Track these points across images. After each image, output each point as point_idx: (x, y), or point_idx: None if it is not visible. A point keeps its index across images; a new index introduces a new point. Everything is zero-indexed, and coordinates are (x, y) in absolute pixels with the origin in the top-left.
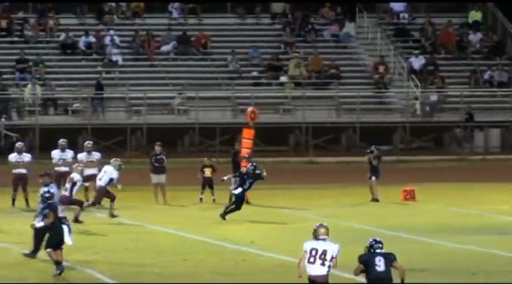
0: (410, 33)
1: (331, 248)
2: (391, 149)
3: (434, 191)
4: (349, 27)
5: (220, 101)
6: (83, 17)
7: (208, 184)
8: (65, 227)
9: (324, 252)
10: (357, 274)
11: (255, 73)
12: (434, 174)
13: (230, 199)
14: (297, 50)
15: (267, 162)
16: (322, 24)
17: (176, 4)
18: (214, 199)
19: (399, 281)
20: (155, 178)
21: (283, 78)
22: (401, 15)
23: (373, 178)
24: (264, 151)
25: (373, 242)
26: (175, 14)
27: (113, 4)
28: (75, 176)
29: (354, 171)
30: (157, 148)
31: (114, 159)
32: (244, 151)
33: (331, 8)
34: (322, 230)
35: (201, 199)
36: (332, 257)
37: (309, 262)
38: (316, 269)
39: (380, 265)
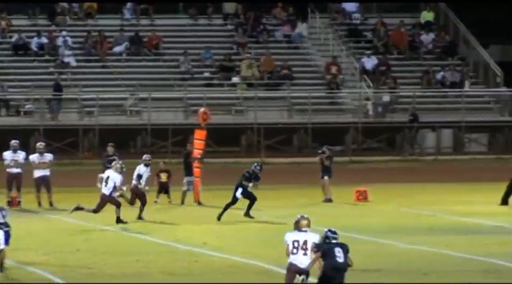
0: (362, 33)
1: (312, 238)
2: (343, 150)
3: (387, 191)
4: (301, 28)
5: (173, 102)
6: (35, 18)
7: (164, 189)
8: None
9: (305, 242)
10: (313, 263)
11: (207, 74)
12: (386, 175)
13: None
14: (249, 51)
15: (219, 163)
16: (274, 25)
17: (128, 5)
18: (170, 201)
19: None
20: None
21: (235, 79)
22: (353, 15)
23: (326, 178)
24: (216, 152)
25: (329, 233)
26: (127, 15)
27: (65, 5)
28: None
29: (306, 171)
30: (110, 149)
31: (115, 162)
32: (196, 152)
33: (283, 8)
34: (304, 222)
35: (155, 201)
36: (312, 246)
37: (292, 253)
38: (300, 259)
39: (340, 256)
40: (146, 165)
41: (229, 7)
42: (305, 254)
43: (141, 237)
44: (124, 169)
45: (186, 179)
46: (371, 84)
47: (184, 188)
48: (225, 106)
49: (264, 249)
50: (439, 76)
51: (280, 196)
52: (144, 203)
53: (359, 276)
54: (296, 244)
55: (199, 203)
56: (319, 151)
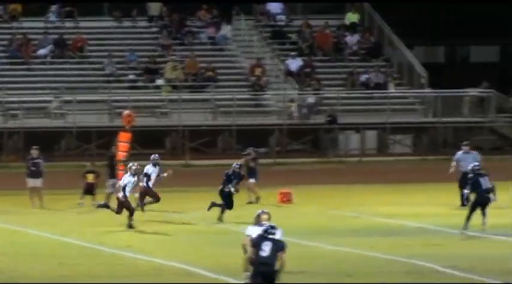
0: (287, 35)
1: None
2: (267, 151)
3: (311, 193)
4: (226, 30)
5: (97, 104)
6: None
7: (89, 190)
8: None
9: None
10: (249, 258)
11: (131, 77)
12: (311, 176)
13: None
14: (173, 53)
15: (144, 165)
16: (199, 27)
17: (53, 7)
18: (94, 204)
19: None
20: (31, 182)
21: (159, 81)
22: (278, 17)
23: (252, 180)
24: (141, 154)
25: (269, 228)
26: (52, 18)
27: None
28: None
29: None
30: (34, 152)
31: (130, 164)
32: (121, 155)
33: (208, 10)
34: (265, 216)
35: (79, 203)
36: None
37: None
38: (264, 252)
39: (265, 250)
40: (154, 165)
41: (153, 9)
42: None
43: (65, 240)
44: (138, 171)
45: (110, 181)
46: (295, 86)
47: (108, 190)
48: (150, 108)
49: (187, 251)
50: (363, 77)
51: (204, 198)
52: (157, 200)
53: (284, 278)
54: None
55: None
56: (244, 153)
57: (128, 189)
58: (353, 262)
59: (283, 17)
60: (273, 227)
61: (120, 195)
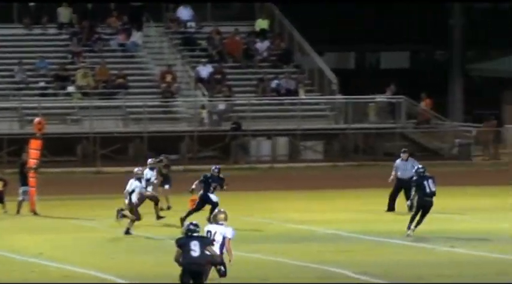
0: (197, 42)
1: (224, 231)
2: (179, 158)
3: (223, 200)
4: (136, 37)
5: (7, 112)
6: None
7: None
8: None
9: (215, 233)
10: (177, 259)
11: (42, 84)
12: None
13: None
14: (84, 60)
15: (55, 172)
16: (109, 34)
17: None
18: (5, 211)
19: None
20: None
21: (70, 88)
22: (188, 24)
23: (166, 186)
24: (52, 161)
25: (190, 226)
26: None
27: None
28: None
29: None
30: None
31: (136, 169)
32: (32, 162)
33: (118, 17)
34: (221, 215)
35: None
36: (224, 238)
37: None
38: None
39: (195, 249)
40: (151, 169)
41: (63, 16)
42: (213, 244)
43: None
44: (141, 175)
45: (21, 189)
46: (206, 93)
47: (20, 198)
48: (61, 115)
49: (99, 258)
50: (274, 84)
51: (115, 205)
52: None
53: None
54: (209, 235)
55: (35, 213)
56: (157, 160)
57: (134, 195)
58: (266, 268)
59: (193, 24)
60: (195, 225)
61: (126, 200)
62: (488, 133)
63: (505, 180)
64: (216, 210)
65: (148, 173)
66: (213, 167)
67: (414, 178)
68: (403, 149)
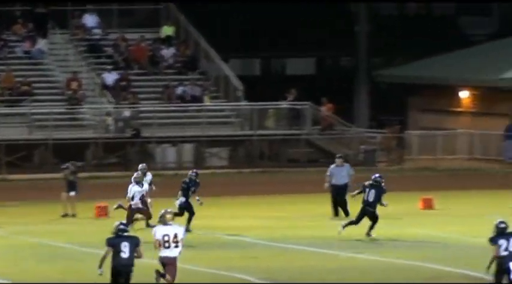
0: (103, 48)
1: (179, 231)
2: (84, 165)
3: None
4: (42, 44)
5: None
6: None
7: None
8: None
9: (175, 235)
10: (103, 258)
11: None
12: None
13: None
14: None
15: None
16: (14, 41)
17: None
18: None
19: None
20: None
21: None
22: (93, 31)
23: (72, 193)
24: None
25: (121, 226)
26: None
27: None
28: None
29: (47, 187)
30: None
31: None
32: None
33: (23, 25)
34: (169, 216)
35: None
36: (181, 239)
37: (164, 247)
38: (171, 252)
39: (125, 251)
40: (144, 174)
41: None
42: (176, 246)
43: None
44: (144, 180)
45: None
46: (112, 99)
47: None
48: None
49: (3, 265)
50: (179, 90)
51: (21, 213)
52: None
53: None
54: (167, 238)
55: None
56: (63, 167)
57: (136, 199)
58: (180, 276)
59: (98, 31)
60: (125, 225)
61: (133, 204)
62: (391, 139)
63: (410, 185)
64: (163, 211)
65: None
66: (191, 171)
67: (366, 183)
68: (338, 155)
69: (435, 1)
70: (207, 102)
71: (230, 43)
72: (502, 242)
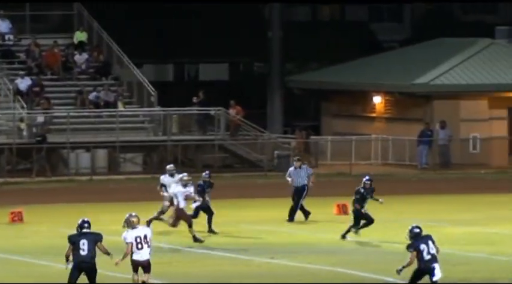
0: (15, 54)
1: (148, 232)
2: None
3: (43, 212)
4: None
5: None
6: None
7: None
8: None
9: (145, 236)
10: (67, 255)
11: None
12: (43, 196)
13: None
14: None
15: None
16: None
17: None
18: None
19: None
20: None
21: None
22: (6, 36)
23: None
24: None
25: (82, 223)
26: None
27: None
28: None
29: None
30: None
31: (181, 175)
32: None
33: None
34: (135, 219)
35: None
36: (150, 239)
37: (138, 248)
38: (144, 253)
39: (84, 248)
40: (171, 175)
41: None
42: (148, 246)
43: None
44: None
45: None
46: (25, 105)
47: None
48: None
49: None
50: (93, 96)
51: None
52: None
53: None
54: (139, 240)
55: None
56: None
57: (181, 200)
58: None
59: (11, 37)
60: (87, 222)
61: (180, 205)
62: (300, 145)
63: (324, 190)
64: (127, 215)
65: (165, 179)
66: (204, 173)
67: (358, 189)
68: (296, 157)
69: (349, 4)
70: (121, 108)
71: (143, 48)
72: (423, 247)
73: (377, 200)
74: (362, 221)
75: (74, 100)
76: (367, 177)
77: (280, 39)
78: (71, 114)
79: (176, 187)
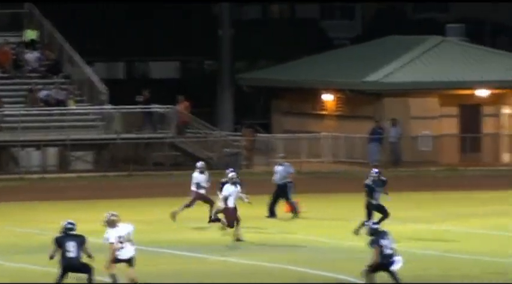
0: None
1: (130, 229)
2: None
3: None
4: None
5: None
6: None
7: None
8: None
9: (128, 234)
10: (51, 256)
11: None
12: None
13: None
14: None
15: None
16: None
17: None
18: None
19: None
20: None
21: None
22: None
23: None
24: None
25: (68, 225)
26: None
27: None
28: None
29: None
30: None
31: (231, 174)
32: None
33: None
34: (115, 218)
35: None
36: (131, 236)
37: (121, 248)
38: (128, 251)
39: (73, 250)
40: (201, 172)
41: None
42: (132, 244)
43: None
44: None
45: None
46: None
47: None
48: None
49: None
50: (43, 94)
51: None
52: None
53: None
54: (122, 239)
55: None
56: None
57: (232, 199)
58: (37, 279)
59: None
60: (72, 224)
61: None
62: (251, 143)
63: (274, 188)
64: (108, 215)
65: (198, 177)
66: (228, 170)
67: (366, 182)
68: (281, 154)
69: (299, 2)
70: (72, 106)
71: (94, 47)
72: (386, 242)
73: (386, 194)
74: (377, 215)
75: (25, 98)
76: (375, 170)
77: (231, 38)
78: (22, 112)
79: (230, 187)
